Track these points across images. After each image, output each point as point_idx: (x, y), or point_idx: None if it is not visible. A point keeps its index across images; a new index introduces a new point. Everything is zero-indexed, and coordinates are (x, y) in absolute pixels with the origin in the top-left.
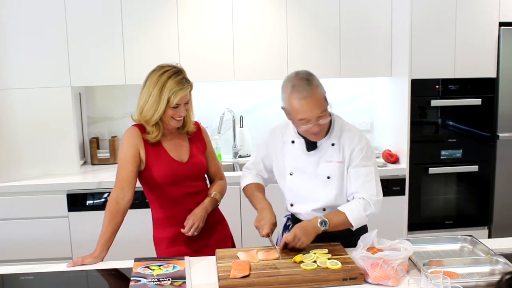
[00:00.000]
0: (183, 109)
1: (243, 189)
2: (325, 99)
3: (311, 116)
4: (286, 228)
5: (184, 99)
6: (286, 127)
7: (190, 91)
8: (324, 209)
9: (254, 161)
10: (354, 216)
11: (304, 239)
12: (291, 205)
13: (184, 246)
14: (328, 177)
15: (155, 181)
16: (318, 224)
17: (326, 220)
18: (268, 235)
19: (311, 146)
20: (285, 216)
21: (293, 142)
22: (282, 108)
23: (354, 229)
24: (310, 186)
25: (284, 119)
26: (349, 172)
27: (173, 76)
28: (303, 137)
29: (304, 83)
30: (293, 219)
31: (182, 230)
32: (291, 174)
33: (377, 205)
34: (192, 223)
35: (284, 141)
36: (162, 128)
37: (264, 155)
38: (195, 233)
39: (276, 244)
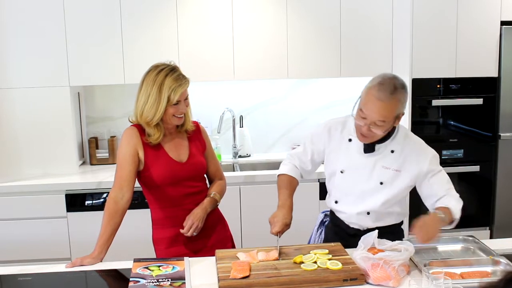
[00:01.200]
0: (184, 106)
1: (277, 175)
2: (395, 116)
3: (372, 117)
4: (322, 224)
5: (183, 95)
6: (345, 123)
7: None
8: (368, 213)
9: (300, 151)
10: (456, 209)
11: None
12: (336, 202)
13: (183, 246)
14: (381, 183)
15: (154, 181)
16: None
17: (442, 215)
18: (277, 234)
19: (368, 148)
20: (323, 212)
21: (350, 140)
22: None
23: (453, 226)
24: (360, 188)
25: (342, 116)
26: (431, 181)
27: (170, 73)
28: None
29: (390, 89)
30: (332, 217)
31: (181, 231)
32: (342, 172)
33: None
34: (191, 223)
35: (342, 137)
36: (163, 129)
37: (314, 148)
38: (195, 234)
39: (309, 242)
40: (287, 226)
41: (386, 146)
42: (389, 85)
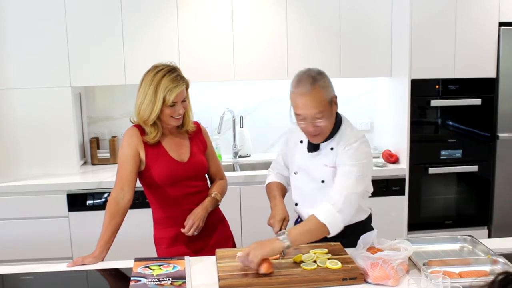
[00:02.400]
0: (181, 107)
1: (265, 187)
2: (329, 102)
3: (307, 114)
4: (296, 223)
5: (180, 97)
6: (297, 126)
7: (186, 89)
8: None
9: (276, 159)
10: (324, 216)
11: (255, 252)
12: (296, 204)
13: (184, 246)
14: (323, 181)
15: (155, 181)
16: (278, 237)
17: (285, 231)
18: (280, 231)
19: (312, 147)
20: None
21: (301, 142)
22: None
23: (330, 235)
24: (309, 188)
25: None
26: (337, 173)
27: (167, 74)
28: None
29: (309, 81)
30: (301, 220)
31: (182, 230)
32: (295, 174)
33: (347, 202)
34: (192, 223)
35: (294, 140)
36: (161, 128)
37: (283, 153)
38: (195, 233)
39: None
40: (286, 220)
41: (327, 144)
42: (307, 78)
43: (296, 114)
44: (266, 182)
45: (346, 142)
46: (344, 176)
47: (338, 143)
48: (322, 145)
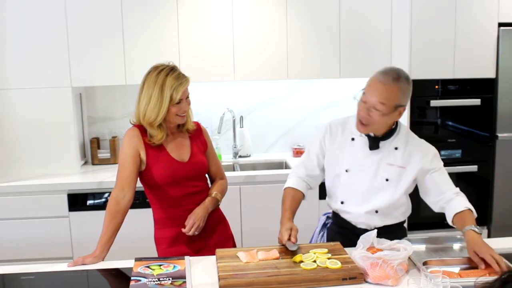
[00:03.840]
0: (186, 104)
1: (283, 189)
2: (395, 105)
3: (370, 99)
4: (324, 226)
5: (185, 94)
6: (345, 124)
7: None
8: (376, 211)
9: (304, 158)
10: (472, 208)
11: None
12: (342, 202)
13: (185, 246)
14: (387, 180)
15: (156, 181)
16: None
17: (477, 229)
18: (289, 240)
19: (373, 144)
20: (324, 215)
21: (353, 139)
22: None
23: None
24: (366, 186)
25: (342, 117)
26: (433, 176)
27: (170, 73)
28: (367, 135)
29: (393, 76)
30: (336, 219)
31: (183, 230)
32: (347, 171)
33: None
34: (193, 223)
35: (344, 137)
36: (165, 129)
37: (318, 152)
38: (196, 233)
39: (311, 242)
40: (293, 230)
41: (390, 143)
42: (393, 73)
43: (363, 94)
44: (286, 185)
45: (423, 145)
46: (443, 174)
47: (406, 144)
48: (382, 143)
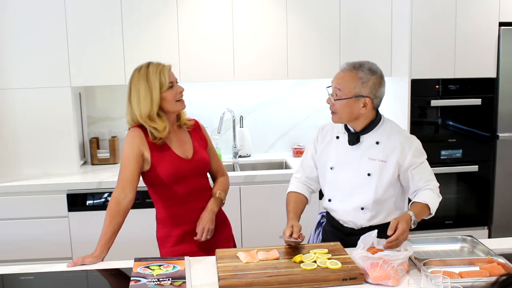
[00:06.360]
0: (179, 86)
1: (286, 194)
2: (355, 94)
3: (332, 84)
4: (319, 225)
5: (173, 77)
6: (334, 124)
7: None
8: (362, 208)
9: (302, 162)
10: (434, 205)
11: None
12: (329, 200)
13: (188, 245)
14: (369, 174)
15: (161, 179)
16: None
17: (413, 217)
18: (291, 236)
19: (353, 140)
20: (320, 214)
21: (337, 137)
22: None
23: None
24: (350, 182)
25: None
26: (412, 173)
27: (150, 65)
28: (348, 131)
29: (354, 65)
30: (328, 218)
31: (195, 238)
32: (331, 168)
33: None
34: (202, 228)
35: (331, 136)
36: (167, 120)
37: (313, 153)
38: (208, 237)
39: (308, 243)
40: (295, 226)
41: (371, 137)
42: (357, 63)
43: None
44: (288, 190)
45: (407, 141)
46: (423, 171)
47: (389, 139)
48: (363, 138)
